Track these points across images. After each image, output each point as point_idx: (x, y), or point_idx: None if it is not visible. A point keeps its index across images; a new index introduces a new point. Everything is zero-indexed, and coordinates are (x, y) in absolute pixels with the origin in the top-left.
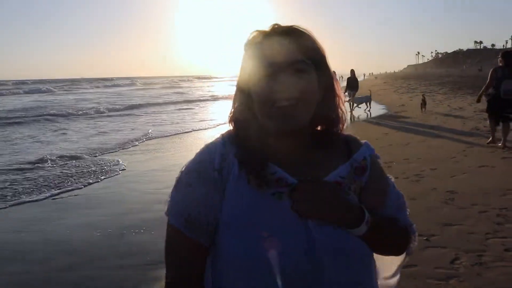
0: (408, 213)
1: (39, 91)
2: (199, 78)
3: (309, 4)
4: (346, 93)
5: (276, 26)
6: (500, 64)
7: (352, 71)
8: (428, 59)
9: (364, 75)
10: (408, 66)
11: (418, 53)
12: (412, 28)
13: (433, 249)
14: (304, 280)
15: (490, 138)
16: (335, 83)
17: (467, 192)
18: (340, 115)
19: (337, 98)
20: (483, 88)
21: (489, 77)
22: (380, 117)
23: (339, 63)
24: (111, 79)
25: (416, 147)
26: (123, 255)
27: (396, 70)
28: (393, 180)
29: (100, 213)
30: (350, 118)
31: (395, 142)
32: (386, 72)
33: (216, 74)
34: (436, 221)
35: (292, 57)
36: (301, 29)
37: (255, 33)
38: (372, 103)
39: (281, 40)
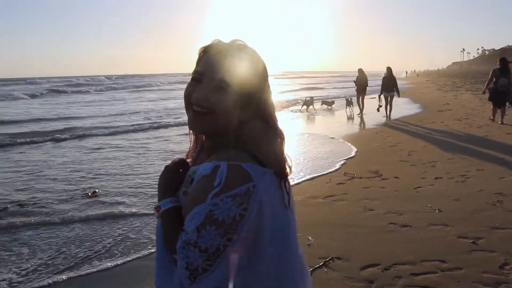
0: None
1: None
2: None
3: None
4: (382, 96)
5: (218, 41)
6: (498, 66)
7: (389, 69)
8: (473, 56)
9: (407, 72)
10: (453, 63)
11: (463, 50)
12: (457, 24)
13: (480, 252)
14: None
15: (492, 117)
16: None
17: None
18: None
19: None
20: (486, 83)
21: (490, 75)
22: (421, 114)
23: (378, 61)
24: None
25: (461, 147)
26: None
27: (440, 68)
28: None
29: None
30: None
31: (439, 141)
32: (428, 69)
33: None
34: (483, 224)
35: (217, 75)
36: (240, 50)
37: (212, 42)
38: (409, 101)
39: (216, 56)
